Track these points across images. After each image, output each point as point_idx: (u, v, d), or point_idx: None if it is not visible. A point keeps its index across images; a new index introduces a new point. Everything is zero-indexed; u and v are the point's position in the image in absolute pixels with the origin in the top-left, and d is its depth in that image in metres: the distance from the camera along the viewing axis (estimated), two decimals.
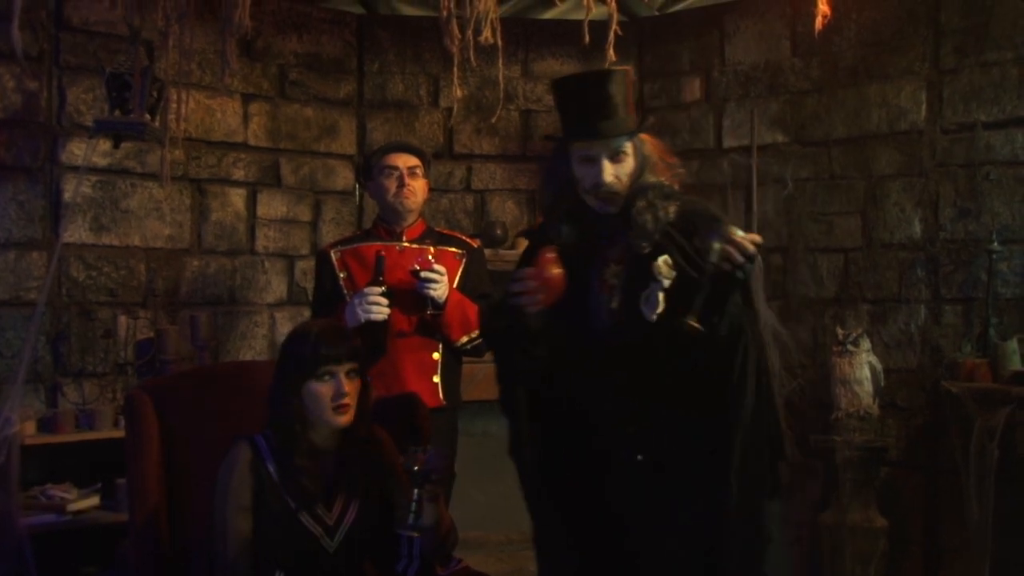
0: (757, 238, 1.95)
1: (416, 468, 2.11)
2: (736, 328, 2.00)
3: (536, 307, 2.00)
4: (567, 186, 2.14)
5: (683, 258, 2.08)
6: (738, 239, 1.92)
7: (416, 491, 2.11)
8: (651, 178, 2.11)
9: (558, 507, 2.16)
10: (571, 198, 2.14)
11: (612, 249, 2.13)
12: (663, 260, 2.06)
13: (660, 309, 2.03)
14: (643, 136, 2.14)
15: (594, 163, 2.08)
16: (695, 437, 2.06)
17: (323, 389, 2.15)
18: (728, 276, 1.94)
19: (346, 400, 2.15)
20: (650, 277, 2.06)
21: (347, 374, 2.17)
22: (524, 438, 2.17)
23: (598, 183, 2.07)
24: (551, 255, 2.00)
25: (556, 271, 1.99)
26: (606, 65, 2.97)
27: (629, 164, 2.10)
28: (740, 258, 1.93)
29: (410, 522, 2.11)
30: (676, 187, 2.14)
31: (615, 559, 2.12)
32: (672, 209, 2.10)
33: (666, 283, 2.05)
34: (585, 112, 2.07)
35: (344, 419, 2.16)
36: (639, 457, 2.08)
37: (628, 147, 2.10)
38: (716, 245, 1.93)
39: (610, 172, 2.07)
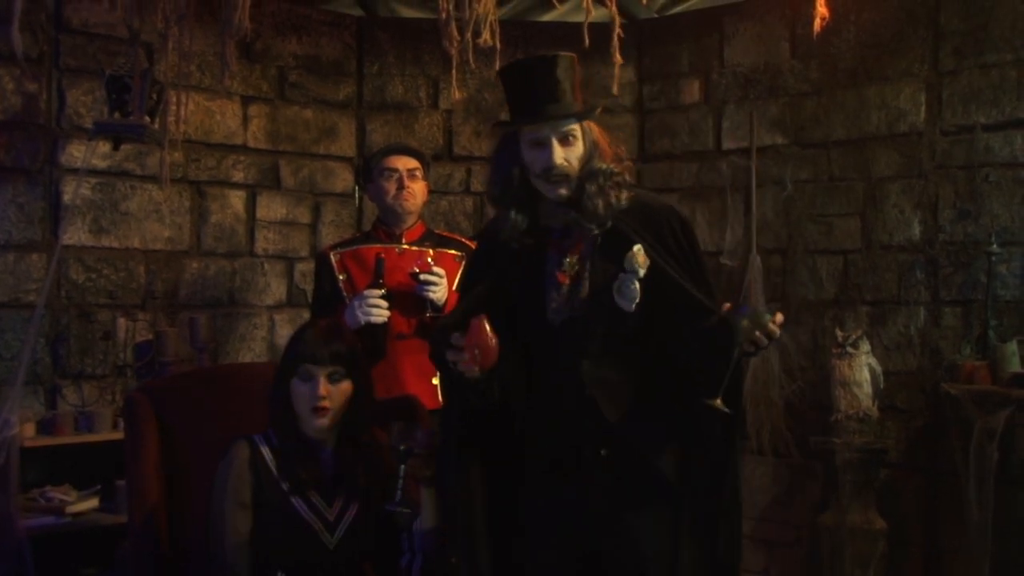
0: (781, 318, 1.93)
1: (402, 447, 2.12)
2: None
3: (474, 373, 1.98)
4: (516, 175, 2.12)
5: (665, 252, 2.08)
6: (766, 324, 1.91)
7: (401, 468, 2.12)
8: (600, 164, 2.10)
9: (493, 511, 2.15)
10: (520, 186, 2.12)
11: (566, 240, 2.12)
12: (638, 249, 2.06)
13: (638, 299, 2.02)
14: (590, 124, 2.13)
15: (544, 146, 2.06)
16: (658, 431, 2.06)
17: (303, 388, 2.17)
18: (747, 353, 1.94)
19: (322, 403, 2.15)
20: (617, 266, 2.06)
21: (328, 376, 2.17)
22: (453, 455, 2.17)
23: (549, 166, 2.06)
24: (483, 323, 1.97)
25: (490, 338, 1.97)
26: (610, 67, 2.99)
27: (579, 148, 2.09)
28: (765, 342, 1.92)
29: (397, 498, 2.11)
30: (627, 177, 2.14)
31: (574, 557, 2.10)
32: (624, 196, 2.10)
33: (641, 272, 2.05)
34: (533, 96, 2.07)
35: (320, 422, 2.17)
36: (602, 452, 2.07)
37: (577, 130, 2.09)
38: (744, 323, 1.90)
39: (560, 155, 2.06)
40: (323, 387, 2.16)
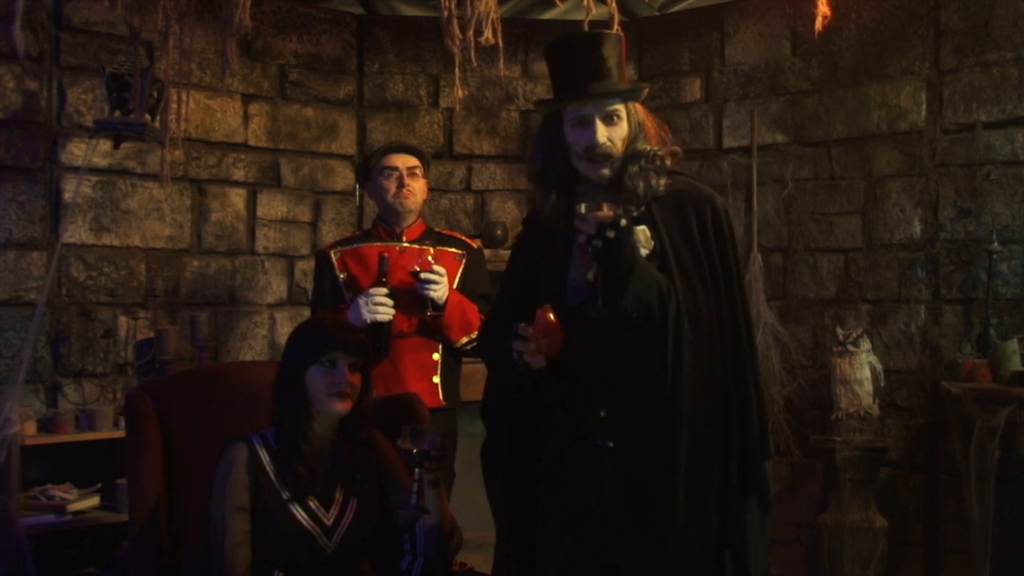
0: (609, 214, 1.89)
1: (414, 450, 2.11)
2: (656, 311, 1.96)
3: (539, 364, 1.97)
4: (557, 154, 2.09)
5: (666, 236, 2.04)
6: (593, 214, 1.89)
7: (417, 471, 2.12)
8: (644, 146, 2.06)
9: (527, 507, 2.13)
10: (561, 166, 2.10)
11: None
12: (641, 230, 2.03)
13: None
14: (636, 105, 2.10)
15: (587, 125, 2.04)
16: (656, 422, 2.00)
17: (324, 375, 2.17)
18: (597, 256, 1.89)
19: (346, 389, 2.16)
20: None
21: (350, 366, 2.18)
22: (501, 449, 2.16)
23: (591, 144, 2.03)
24: (550, 314, 1.96)
25: (556, 328, 1.95)
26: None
27: (623, 128, 2.06)
28: (586, 229, 1.88)
29: (412, 502, 2.11)
30: (669, 162, 2.09)
31: (590, 550, 2.07)
32: (663, 182, 2.07)
33: (644, 252, 2.02)
34: (578, 73, 2.03)
35: (342, 405, 2.17)
36: (610, 444, 2.04)
37: (621, 110, 2.06)
38: (576, 222, 1.90)
39: (603, 134, 2.03)
40: (348, 374, 2.17)
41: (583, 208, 1.92)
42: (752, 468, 2.08)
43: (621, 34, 2.11)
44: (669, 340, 1.97)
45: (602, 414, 2.05)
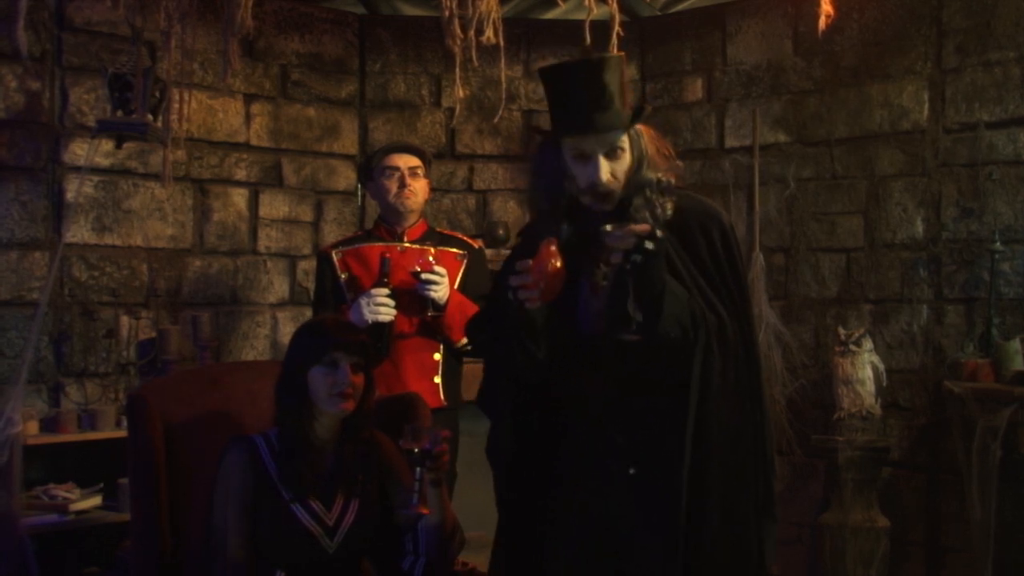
0: (646, 227, 1.84)
1: (416, 450, 2.11)
2: (689, 330, 1.91)
3: (535, 303, 1.88)
4: (560, 183, 2.02)
5: (676, 257, 2.00)
6: (627, 228, 1.84)
7: (418, 470, 2.11)
8: (649, 174, 1.99)
9: (533, 512, 2.09)
10: (565, 195, 2.03)
11: (604, 251, 1.98)
12: None
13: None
14: (639, 127, 2.02)
15: (589, 160, 1.96)
16: (680, 448, 1.94)
17: (327, 376, 2.16)
18: (636, 272, 1.83)
19: (348, 389, 2.16)
20: None
21: (352, 366, 2.18)
22: (506, 437, 2.11)
23: (594, 182, 1.96)
24: (552, 248, 1.87)
25: (557, 264, 1.86)
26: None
27: (626, 160, 1.98)
28: (626, 243, 1.82)
29: (414, 502, 2.11)
30: (673, 181, 2.01)
31: (598, 562, 2.05)
32: (670, 207, 1.99)
33: None
34: (578, 103, 1.92)
35: (344, 405, 2.17)
36: (631, 471, 1.98)
37: (625, 141, 1.98)
38: (608, 241, 1.85)
39: (606, 170, 1.95)
40: (351, 374, 2.16)
41: (610, 227, 1.85)
42: (768, 486, 2.06)
43: (622, 55, 2.03)
44: (697, 361, 1.93)
45: (619, 440, 2.00)
